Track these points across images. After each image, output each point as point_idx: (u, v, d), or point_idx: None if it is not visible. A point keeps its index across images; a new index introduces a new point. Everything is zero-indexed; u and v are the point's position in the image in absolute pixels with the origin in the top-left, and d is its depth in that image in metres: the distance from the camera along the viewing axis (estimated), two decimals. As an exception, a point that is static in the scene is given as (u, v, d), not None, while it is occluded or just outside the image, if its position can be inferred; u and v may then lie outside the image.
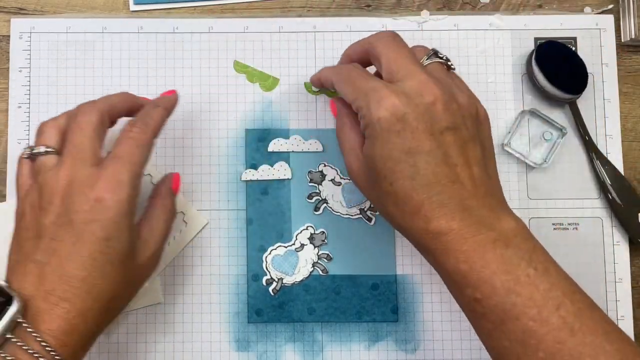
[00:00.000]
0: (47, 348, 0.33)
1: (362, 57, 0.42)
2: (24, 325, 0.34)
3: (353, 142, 0.41)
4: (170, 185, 0.43)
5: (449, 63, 0.41)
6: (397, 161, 0.36)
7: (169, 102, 0.43)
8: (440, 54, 0.40)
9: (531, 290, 0.34)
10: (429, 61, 0.40)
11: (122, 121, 0.41)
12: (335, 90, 0.43)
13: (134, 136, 0.38)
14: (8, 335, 0.33)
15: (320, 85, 0.46)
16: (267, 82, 0.49)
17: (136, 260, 0.38)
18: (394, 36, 0.40)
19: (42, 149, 0.38)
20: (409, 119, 0.36)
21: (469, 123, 0.38)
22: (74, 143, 0.38)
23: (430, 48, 0.41)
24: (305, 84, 0.49)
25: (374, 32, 0.49)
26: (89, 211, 0.36)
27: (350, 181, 0.48)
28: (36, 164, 0.39)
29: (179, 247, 0.47)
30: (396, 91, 0.36)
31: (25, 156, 0.39)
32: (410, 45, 0.48)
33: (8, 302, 0.34)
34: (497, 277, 0.35)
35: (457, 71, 0.49)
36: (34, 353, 0.33)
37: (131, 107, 0.42)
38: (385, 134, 0.36)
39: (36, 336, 0.33)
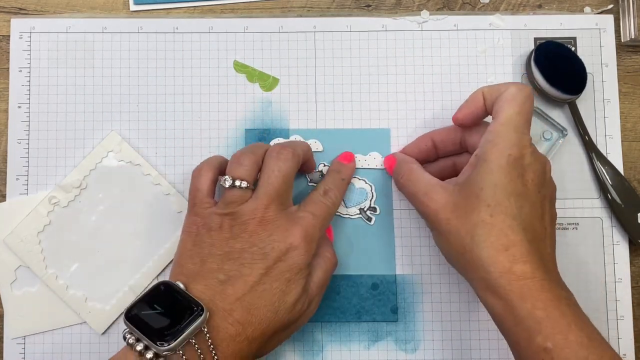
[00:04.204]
0: None
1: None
2: (206, 334, 0.36)
3: (430, 180, 0.42)
4: (325, 234, 0.45)
5: None
6: (507, 196, 0.38)
7: (349, 174, 0.47)
8: None
9: (602, 351, 0.36)
10: None
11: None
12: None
13: (329, 203, 0.43)
14: (191, 340, 0.36)
15: (469, 111, 0.44)
16: (267, 82, 0.49)
17: (300, 307, 0.40)
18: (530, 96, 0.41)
19: (244, 184, 0.41)
20: (529, 168, 0.39)
21: (555, 199, 0.42)
22: (273, 186, 0.41)
23: None
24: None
25: (373, 32, 0.50)
26: (283, 251, 0.39)
27: (351, 181, 0.48)
28: (231, 193, 0.41)
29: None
30: (529, 141, 0.40)
31: (227, 185, 0.41)
32: (410, 47, 0.48)
33: (190, 308, 0.36)
34: (572, 330, 0.36)
35: (457, 71, 0.50)
36: None
37: (308, 160, 0.46)
38: (509, 169, 0.38)
39: (212, 348, 0.36)
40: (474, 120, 0.44)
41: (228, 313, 0.37)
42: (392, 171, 0.46)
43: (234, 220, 0.40)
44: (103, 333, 0.46)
